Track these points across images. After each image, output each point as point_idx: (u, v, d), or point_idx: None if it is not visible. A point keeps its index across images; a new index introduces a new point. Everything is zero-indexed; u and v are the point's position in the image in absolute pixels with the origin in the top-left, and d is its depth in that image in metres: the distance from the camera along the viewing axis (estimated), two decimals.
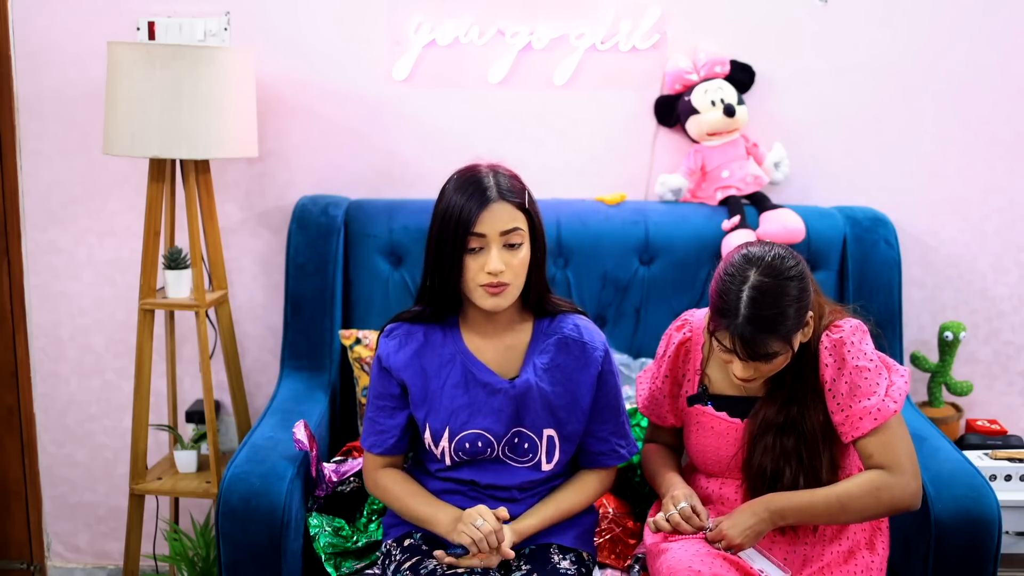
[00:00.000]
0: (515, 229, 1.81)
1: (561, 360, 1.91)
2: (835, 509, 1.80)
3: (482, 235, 1.79)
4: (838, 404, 1.83)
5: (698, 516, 1.84)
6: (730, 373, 1.85)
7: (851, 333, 1.84)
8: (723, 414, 1.91)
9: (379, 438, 1.95)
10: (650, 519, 1.90)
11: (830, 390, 1.84)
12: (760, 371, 1.81)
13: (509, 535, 1.84)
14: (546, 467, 1.92)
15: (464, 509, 1.86)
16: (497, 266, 1.79)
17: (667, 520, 1.84)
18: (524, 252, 1.83)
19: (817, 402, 1.84)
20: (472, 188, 1.81)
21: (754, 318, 1.74)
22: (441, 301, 1.88)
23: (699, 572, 1.72)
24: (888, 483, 1.81)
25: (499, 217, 1.80)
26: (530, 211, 1.85)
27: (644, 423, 2.19)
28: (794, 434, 1.83)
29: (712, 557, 1.76)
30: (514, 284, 1.83)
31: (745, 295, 1.75)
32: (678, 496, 1.87)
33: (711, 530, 1.82)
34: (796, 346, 1.80)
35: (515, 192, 1.83)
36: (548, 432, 1.91)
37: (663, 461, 2.01)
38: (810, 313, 1.81)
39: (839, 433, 1.85)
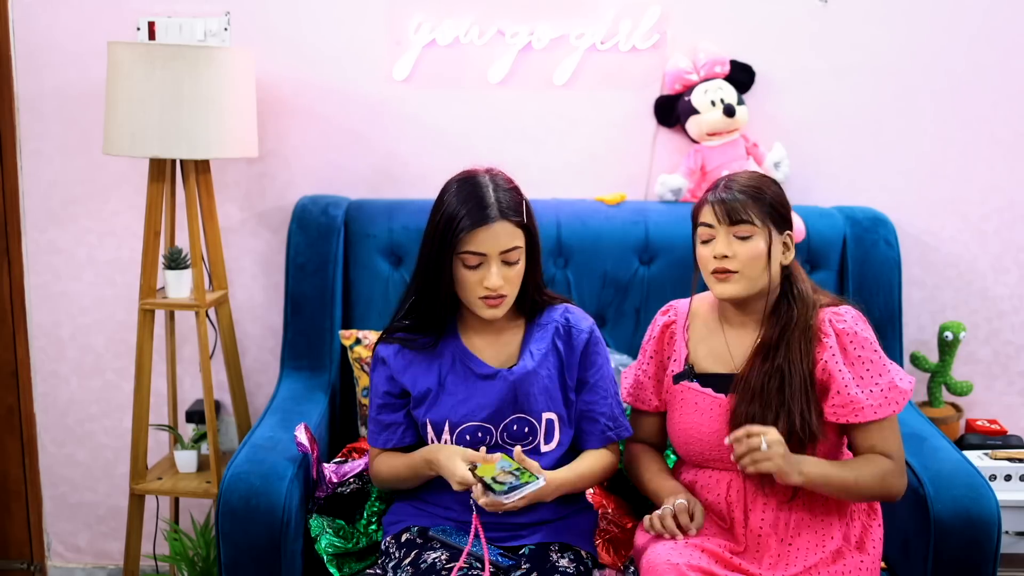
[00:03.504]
0: (514, 248, 1.86)
1: (555, 345, 1.96)
2: (849, 484, 1.82)
3: (482, 253, 1.84)
4: (838, 392, 1.83)
5: (691, 517, 1.82)
6: (707, 264, 1.87)
7: (853, 323, 1.86)
8: (708, 390, 1.91)
9: (387, 434, 2.00)
10: (645, 518, 1.88)
11: (823, 369, 1.84)
12: (736, 252, 1.83)
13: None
14: (545, 448, 1.95)
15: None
16: (497, 283, 1.85)
17: (659, 517, 1.82)
18: (521, 265, 1.89)
19: (808, 353, 1.84)
20: (474, 201, 1.84)
21: (732, 183, 1.87)
22: (434, 315, 1.93)
23: (676, 565, 1.73)
24: (894, 472, 1.85)
25: (499, 237, 1.84)
26: (528, 226, 1.88)
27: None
28: (779, 379, 1.83)
29: (690, 549, 1.76)
30: (511, 295, 1.90)
31: (728, 176, 1.91)
32: (678, 500, 1.85)
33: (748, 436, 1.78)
34: (772, 245, 1.84)
35: (515, 209, 1.86)
36: (547, 416, 1.95)
37: (654, 465, 1.99)
38: (790, 232, 1.88)
39: (831, 413, 1.84)
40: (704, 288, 1.96)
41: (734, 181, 1.87)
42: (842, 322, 1.86)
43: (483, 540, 1.85)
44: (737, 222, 1.83)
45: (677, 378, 1.96)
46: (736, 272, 1.85)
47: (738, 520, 1.87)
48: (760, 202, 1.84)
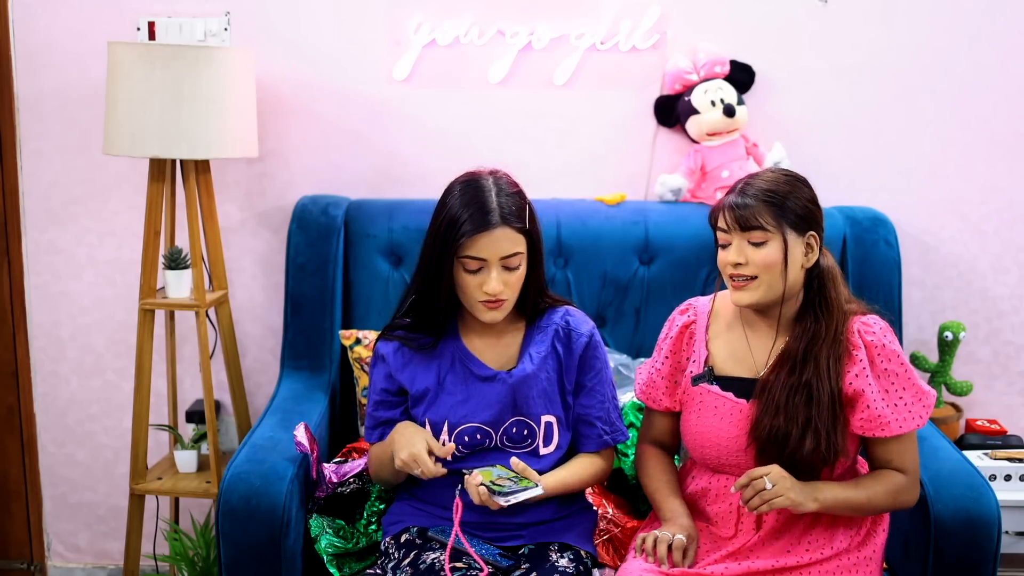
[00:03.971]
0: (515, 254, 1.85)
1: (555, 348, 1.96)
2: (862, 504, 1.82)
3: (482, 259, 1.83)
4: (867, 407, 1.81)
5: (684, 554, 1.79)
6: (726, 269, 1.84)
7: (882, 335, 1.84)
8: (729, 394, 1.88)
9: (381, 430, 2.00)
10: (638, 536, 1.85)
11: (850, 384, 1.81)
12: (750, 259, 1.80)
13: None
14: (544, 451, 1.95)
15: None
16: (497, 288, 1.84)
17: (655, 540, 1.80)
18: (522, 270, 1.88)
19: (837, 370, 1.81)
20: (476, 206, 1.83)
21: (748, 187, 1.82)
22: (434, 315, 1.92)
23: None
24: (906, 488, 1.84)
25: (500, 243, 1.83)
26: (530, 232, 1.87)
27: (639, 423, 2.18)
28: (806, 396, 1.79)
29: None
30: (511, 299, 1.89)
31: (748, 177, 1.86)
32: (679, 535, 1.81)
33: (750, 483, 1.74)
34: (789, 248, 1.79)
35: (517, 215, 1.85)
36: (547, 418, 1.95)
37: (663, 476, 1.96)
38: (812, 233, 1.82)
39: (858, 427, 1.82)
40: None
41: (750, 185, 1.83)
42: (871, 334, 1.83)
43: (459, 533, 1.85)
44: (749, 228, 1.80)
45: (696, 380, 1.92)
46: (754, 278, 1.81)
47: (746, 528, 1.85)
48: (774, 206, 1.79)
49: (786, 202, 1.80)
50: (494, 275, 1.84)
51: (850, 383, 1.82)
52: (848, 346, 1.82)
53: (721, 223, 1.84)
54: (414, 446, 1.84)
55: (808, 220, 1.82)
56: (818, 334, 1.82)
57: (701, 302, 1.99)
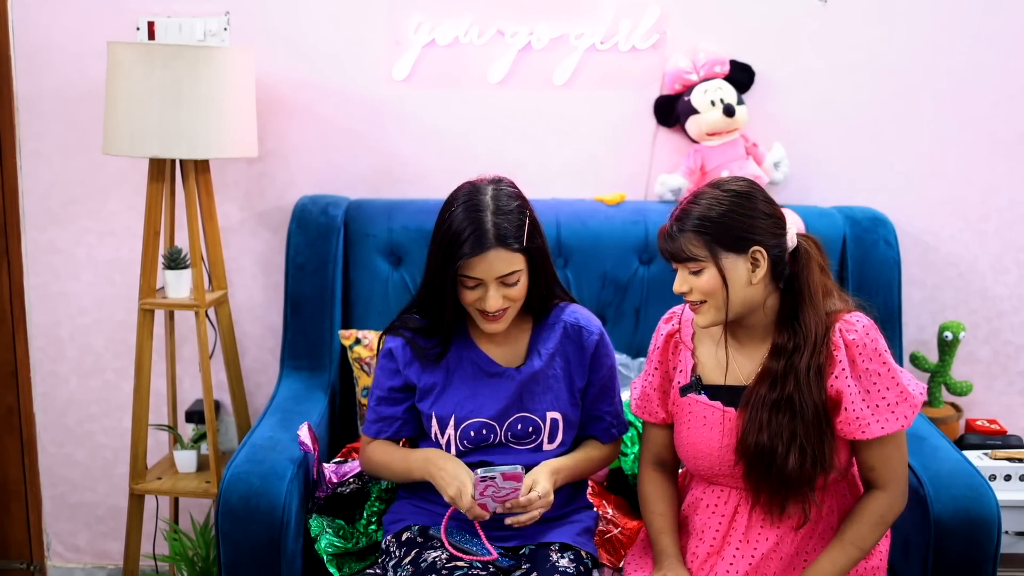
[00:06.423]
0: (512, 272, 1.85)
1: (563, 346, 1.97)
2: (856, 556, 1.78)
3: (479, 279, 1.84)
4: (845, 408, 1.76)
5: None
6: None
7: (864, 333, 1.77)
8: (717, 403, 1.84)
9: (381, 425, 2.01)
10: None
11: (831, 385, 1.77)
12: (693, 286, 1.76)
13: (545, 479, 1.87)
14: (548, 447, 1.96)
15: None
16: (495, 304, 1.85)
17: None
18: (522, 284, 1.88)
19: (819, 382, 1.76)
20: (471, 227, 1.81)
21: (685, 215, 1.76)
22: (441, 321, 1.93)
23: None
24: (890, 506, 1.79)
25: (495, 265, 1.83)
26: (529, 248, 1.87)
27: (636, 421, 2.18)
28: (789, 411, 1.75)
29: None
30: (512, 309, 1.90)
31: (690, 197, 1.79)
32: None
33: None
34: (728, 271, 1.74)
35: (514, 234, 1.84)
36: (552, 415, 1.95)
37: (659, 508, 1.92)
38: (757, 248, 1.74)
39: (839, 429, 1.78)
40: None
41: (687, 213, 1.76)
42: (852, 332, 1.77)
43: (445, 538, 1.87)
44: (681, 261, 1.77)
45: (684, 390, 1.88)
46: (704, 302, 1.78)
47: (731, 543, 1.83)
48: (705, 234, 1.73)
49: (718, 227, 1.73)
50: (491, 293, 1.84)
51: (831, 385, 1.77)
52: (830, 348, 1.77)
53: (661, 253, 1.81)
54: (460, 477, 1.83)
55: (749, 237, 1.74)
56: (798, 345, 1.77)
57: (685, 310, 1.94)
